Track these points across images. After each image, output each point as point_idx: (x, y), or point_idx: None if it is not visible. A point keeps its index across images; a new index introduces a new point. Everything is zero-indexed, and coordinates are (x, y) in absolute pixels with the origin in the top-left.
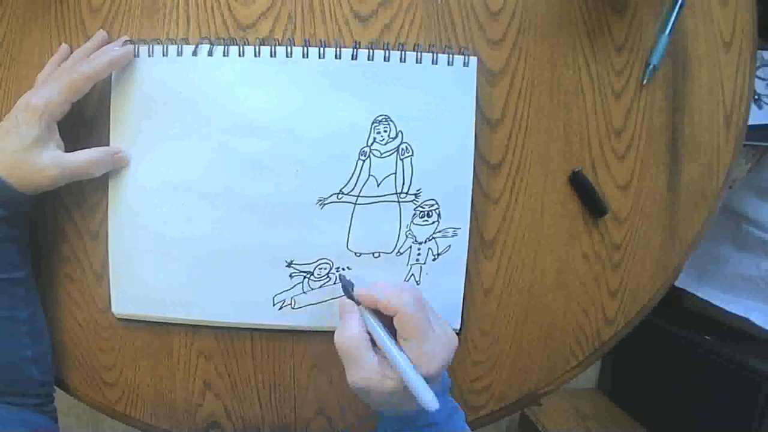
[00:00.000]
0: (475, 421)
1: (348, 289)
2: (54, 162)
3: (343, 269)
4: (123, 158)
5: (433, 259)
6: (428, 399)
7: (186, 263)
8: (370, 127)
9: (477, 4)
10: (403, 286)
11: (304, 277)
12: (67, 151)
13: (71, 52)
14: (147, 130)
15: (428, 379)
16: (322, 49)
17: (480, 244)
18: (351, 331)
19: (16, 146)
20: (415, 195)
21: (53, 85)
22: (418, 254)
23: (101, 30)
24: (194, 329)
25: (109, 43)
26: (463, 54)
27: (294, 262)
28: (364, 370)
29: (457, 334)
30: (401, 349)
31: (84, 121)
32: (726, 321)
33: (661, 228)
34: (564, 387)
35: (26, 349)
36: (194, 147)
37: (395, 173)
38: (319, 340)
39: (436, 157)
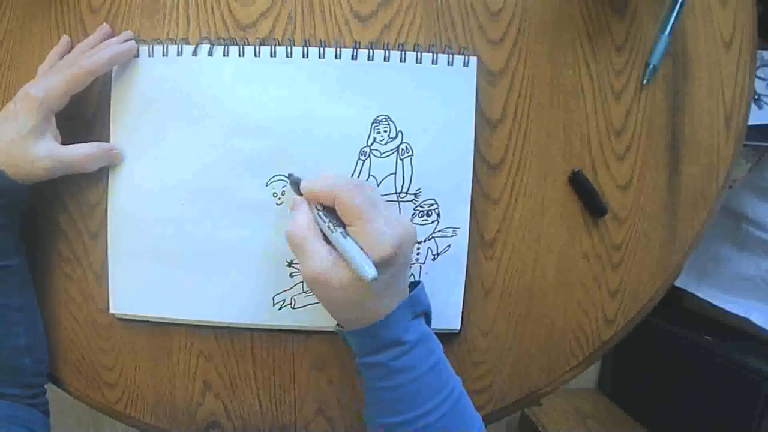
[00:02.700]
0: None
1: (297, 185)
2: (49, 153)
3: None
4: (118, 154)
5: (433, 259)
6: (363, 267)
7: (186, 263)
8: (370, 127)
9: (477, 4)
10: (344, 174)
11: None
12: None
13: (72, 47)
14: (147, 129)
15: (380, 260)
16: (322, 49)
17: (480, 244)
18: (298, 222)
19: (13, 135)
20: (415, 195)
21: (54, 77)
22: (418, 254)
23: (105, 24)
24: (194, 329)
25: (112, 37)
26: (463, 54)
27: (294, 262)
28: (313, 260)
29: (457, 334)
30: (347, 234)
31: (84, 120)
32: (726, 321)
33: (661, 228)
34: (564, 387)
35: (19, 337)
36: (194, 147)
37: (395, 173)
38: (319, 340)
39: (435, 157)
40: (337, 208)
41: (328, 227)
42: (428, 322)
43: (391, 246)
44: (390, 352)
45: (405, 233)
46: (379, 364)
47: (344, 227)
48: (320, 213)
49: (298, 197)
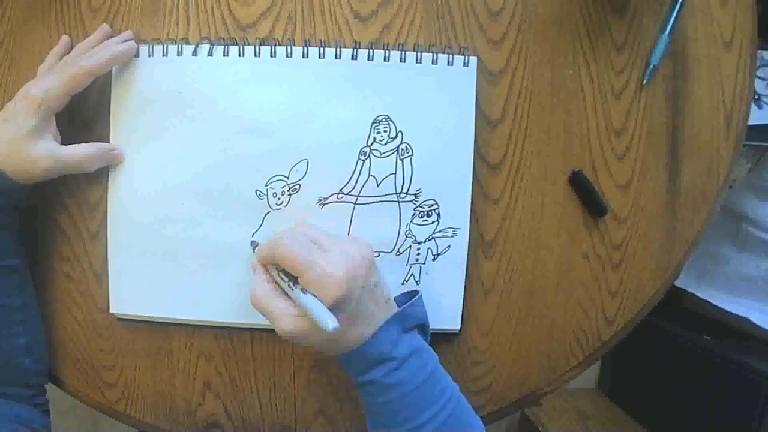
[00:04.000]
0: None
1: (255, 243)
2: (49, 153)
3: None
4: (118, 155)
5: (433, 259)
6: (324, 320)
7: (185, 263)
8: (370, 127)
9: (477, 4)
10: (285, 230)
11: None
12: None
13: (72, 47)
14: (147, 130)
15: (335, 301)
16: (322, 49)
17: (480, 244)
18: (257, 287)
19: (13, 134)
20: (415, 195)
21: (54, 77)
22: (418, 254)
23: (105, 24)
24: (194, 329)
25: (112, 37)
26: (463, 54)
27: None
28: (280, 319)
29: (457, 334)
30: (298, 285)
31: (84, 121)
32: (726, 321)
33: (661, 228)
34: (564, 387)
35: (19, 337)
36: (194, 147)
37: (395, 173)
38: None
39: (435, 157)
40: (282, 266)
41: (288, 286)
42: (425, 331)
43: (338, 285)
44: (381, 368)
45: (350, 264)
46: (372, 381)
47: (296, 280)
48: (279, 273)
49: (254, 262)
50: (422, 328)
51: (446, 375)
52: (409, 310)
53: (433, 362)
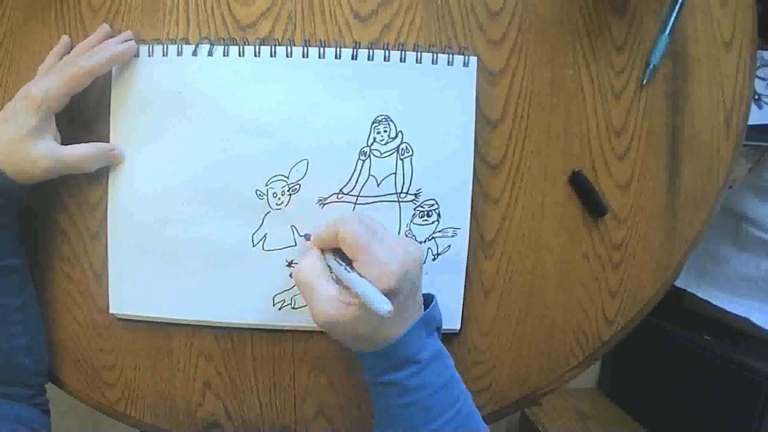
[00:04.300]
0: None
1: (308, 235)
2: (49, 153)
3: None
4: (118, 155)
5: (433, 259)
6: (379, 303)
7: (185, 263)
8: (370, 127)
9: (477, 4)
10: (345, 215)
11: None
12: None
13: (72, 47)
14: (147, 129)
15: (389, 294)
16: (322, 49)
17: (480, 244)
18: (306, 264)
19: (13, 135)
20: (415, 195)
21: (54, 77)
22: None
23: (105, 24)
24: (194, 329)
25: (112, 37)
26: (463, 54)
27: (294, 262)
28: (324, 300)
29: (457, 334)
30: (354, 270)
31: (84, 121)
32: (726, 321)
33: (661, 228)
34: (564, 387)
35: (19, 337)
36: (194, 147)
37: (395, 173)
38: (319, 340)
39: (436, 157)
40: (341, 247)
41: (345, 269)
42: (440, 335)
43: (395, 277)
44: (406, 370)
45: (408, 260)
46: (395, 383)
47: (351, 265)
48: (333, 257)
49: (307, 244)
50: (439, 330)
51: (461, 381)
52: (434, 311)
53: (451, 366)
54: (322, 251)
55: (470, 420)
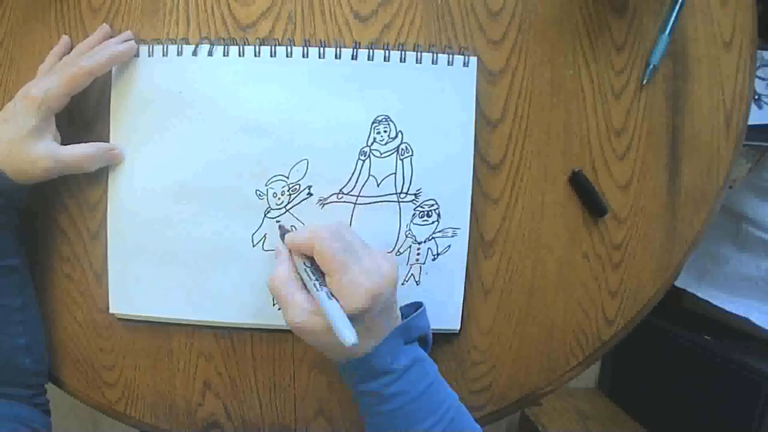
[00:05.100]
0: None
1: (283, 235)
2: (49, 153)
3: None
4: (118, 154)
5: (433, 259)
6: (344, 333)
7: (186, 263)
8: (370, 127)
9: (477, 4)
10: (325, 224)
11: None
12: None
13: (72, 47)
14: (147, 129)
15: (357, 312)
16: (322, 49)
17: (480, 244)
18: (279, 272)
19: (12, 135)
20: (415, 195)
21: (54, 78)
22: (418, 254)
23: (105, 24)
24: (194, 329)
25: (112, 37)
26: (463, 54)
27: None
28: (293, 309)
29: (457, 334)
30: (324, 285)
31: (84, 121)
32: (726, 321)
33: (661, 228)
34: (564, 387)
35: (19, 337)
36: (194, 147)
37: (395, 173)
38: None
39: (436, 157)
40: (316, 259)
41: (314, 285)
42: (426, 342)
43: (366, 298)
44: (381, 380)
45: (381, 282)
46: (371, 391)
47: (323, 276)
48: (306, 267)
49: (281, 247)
50: (424, 338)
51: (446, 385)
52: (413, 321)
53: (433, 372)
54: (298, 255)
55: (455, 424)
